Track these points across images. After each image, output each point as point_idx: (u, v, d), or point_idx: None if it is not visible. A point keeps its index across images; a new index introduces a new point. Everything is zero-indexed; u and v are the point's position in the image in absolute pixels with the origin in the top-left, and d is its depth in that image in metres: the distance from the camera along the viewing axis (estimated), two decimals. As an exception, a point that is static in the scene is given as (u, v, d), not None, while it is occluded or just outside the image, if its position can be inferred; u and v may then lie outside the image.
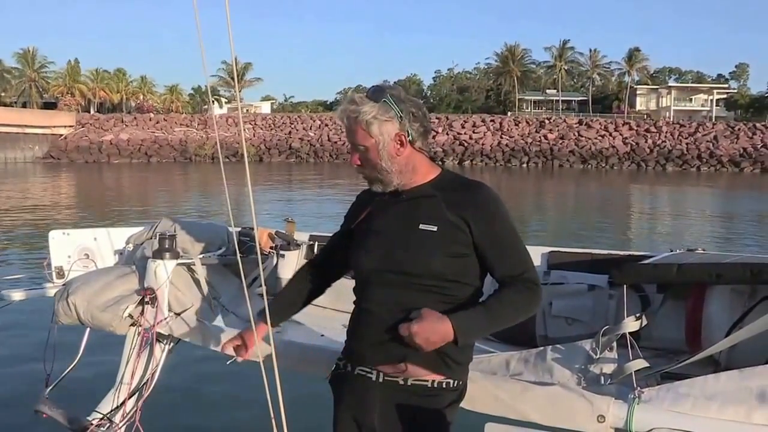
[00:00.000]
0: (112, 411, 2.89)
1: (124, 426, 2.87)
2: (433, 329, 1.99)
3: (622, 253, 3.30)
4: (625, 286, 2.70)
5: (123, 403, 2.89)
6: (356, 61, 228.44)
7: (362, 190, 2.37)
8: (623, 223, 22.22)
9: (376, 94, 2.10)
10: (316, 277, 2.42)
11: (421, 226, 2.09)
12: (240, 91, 77.05)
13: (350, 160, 2.19)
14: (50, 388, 2.98)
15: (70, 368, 3.02)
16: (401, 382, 2.13)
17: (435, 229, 2.07)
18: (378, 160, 2.12)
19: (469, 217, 2.07)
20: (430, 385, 2.12)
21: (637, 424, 2.09)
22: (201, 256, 3.16)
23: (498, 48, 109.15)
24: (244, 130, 64.94)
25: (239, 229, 3.54)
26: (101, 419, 2.87)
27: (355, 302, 2.25)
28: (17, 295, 3.21)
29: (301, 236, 3.62)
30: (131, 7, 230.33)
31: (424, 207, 2.12)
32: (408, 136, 2.12)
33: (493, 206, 2.13)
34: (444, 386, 2.13)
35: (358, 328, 2.22)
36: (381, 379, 2.15)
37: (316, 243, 3.51)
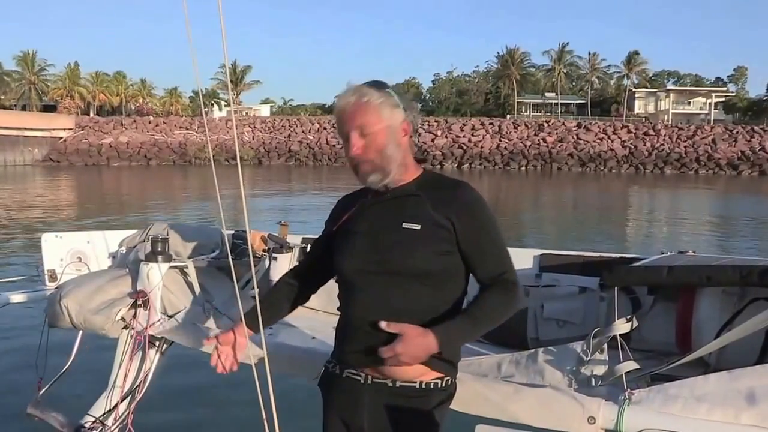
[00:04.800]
0: (104, 414, 2.88)
1: (117, 429, 2.86)
2: (417, 345, 1.98)
3: (613, 255, 3.31)
4: (615, 288, 2.71)
5: (115, 406, 2.88)
6: (355, 64, 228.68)
7: (343, 195, 2.36)
8: (620, 226, 22.22)
9: (378, 85, 2.13)
10: (301, 283, 2.41)
11: (405, 225, 2.08)
12: (238, 95, 77.05)
13: (350, 150, 2.10)
14: (42, 391, 2.97)
15: (62, 371, 3.02)
16: (389, 384, 2.12)
17: (418, 227, 2.07)
18: (386, 144, 2.09)
19: (454, 217, 2.07)
20: (418, 386, 2.11)
21: (627, 426, 2.09)
22: (194, 258, 3.16)
23: (498, 50, 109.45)
24: (243, 132, 65.04)
25: (232, 231, 3.54)
26: (94, 422, 2.86)
27: (339, 308, 2.24)
28: (9, 298, 3.21)
29: (294, 239, 3.63)
30: (133, 8, 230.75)
31: (407, 206, 2.12)
32: (411, 126, 2.15)
33: (477, 206, 2.13)
34: (432, 387, 2.12)
35: (344, 332, 2.21)
36: (369, 381, 2.15)
37: (309, 246, 3.51)
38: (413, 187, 2.16)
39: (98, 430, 2.85)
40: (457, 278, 2.15)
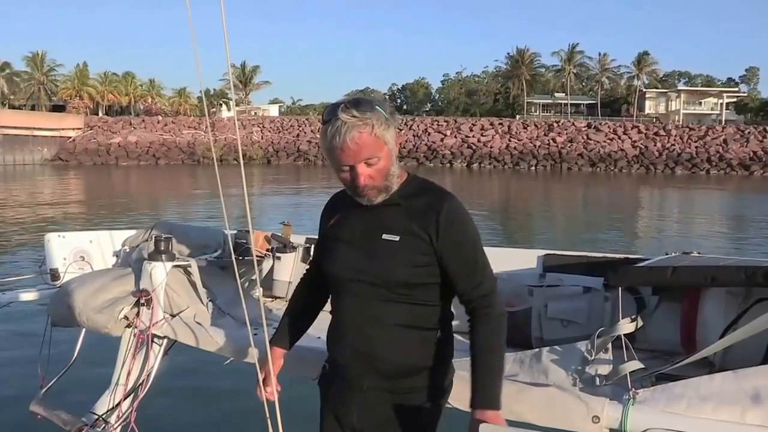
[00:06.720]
0: (107, 412, 2.89)
1: (120, 427, 2.87)
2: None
3: (617, 255, 3.31)
4: (620, 288, 2.69)
5: (118, 404, 2.89)
6: (364, 64, 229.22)
7: (331, 195, 2.35)
8: (630, 227, 22.12)
9: (365, 105, 2.02)
10: (316, 292, 2.39)
11: (384, 236, 2.07)
12: (247, 95, 77.19)
13: (358, 180, 2.03)
14: (45, 389, 3.00)
15: (65, 369, 3.04)
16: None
17: (397, 239, 2.06)
18: (390, 166, 2.07)
19: (432, 229, 2.05)
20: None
21: (632, 425, 2.09)
22: (197, 258, 3.16)
23: (507, 51, 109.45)
24: (252, 132, 65.24)
25: (235, 231, 3.54)
26: (96, 420, 2.87)
27: (331, 312, 2.25)
28: (13, 297, 3.22)
29: (298, 239, 3.63)
30: (139, 10, 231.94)
31: (388, 216, 2.10)
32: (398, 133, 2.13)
33: (456, 219, 2.09)
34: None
35: (334, 333, 2.23)
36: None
37: (312, 245, 3.50)
38: (396, 196, 2.13)
39: (101, 427, 2.86)
40: (441, 286, 2.13)
